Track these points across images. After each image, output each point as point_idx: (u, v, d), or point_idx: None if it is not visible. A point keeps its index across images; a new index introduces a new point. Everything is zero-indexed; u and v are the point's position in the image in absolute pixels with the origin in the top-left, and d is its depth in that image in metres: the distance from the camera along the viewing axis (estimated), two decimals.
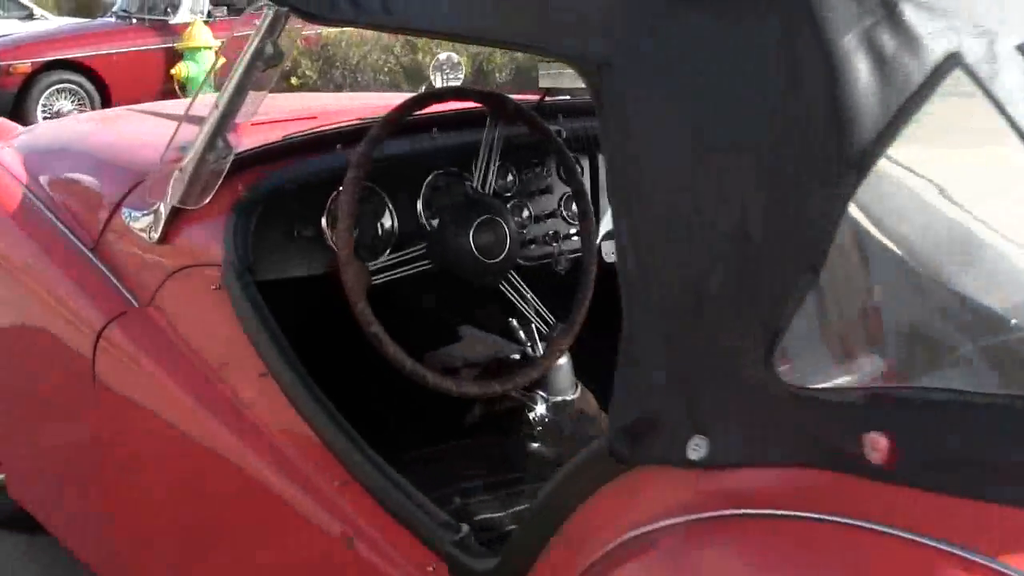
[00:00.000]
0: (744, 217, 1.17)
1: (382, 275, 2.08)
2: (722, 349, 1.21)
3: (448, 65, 3.27)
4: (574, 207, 2.56)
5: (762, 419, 1.19)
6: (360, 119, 2.39)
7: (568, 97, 2.72)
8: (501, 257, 2.20)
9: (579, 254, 2.54)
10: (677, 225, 1.23)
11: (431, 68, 3.30)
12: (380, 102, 3.48)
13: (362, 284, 2.00)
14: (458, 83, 3.26)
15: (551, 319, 2.33)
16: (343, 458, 1.82)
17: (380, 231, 2.24)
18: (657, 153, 1.25)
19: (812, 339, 1.19)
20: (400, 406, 2.47)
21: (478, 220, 2.16)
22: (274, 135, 2.24)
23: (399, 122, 2.08)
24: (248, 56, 1.87)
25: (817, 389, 1.16)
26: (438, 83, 3.25)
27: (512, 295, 2.31)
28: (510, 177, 2.39)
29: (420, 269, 2.15)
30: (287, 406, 1.88)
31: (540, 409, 2.39)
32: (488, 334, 2.83)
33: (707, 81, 1.20)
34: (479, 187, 2.26)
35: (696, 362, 1.24)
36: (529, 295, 2.32)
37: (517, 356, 2.55)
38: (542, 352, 2.44)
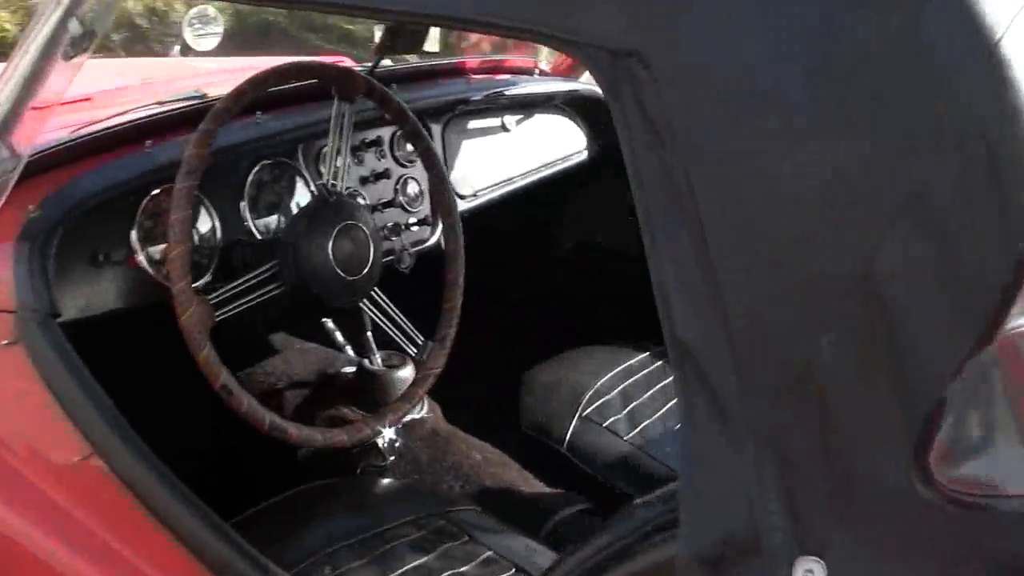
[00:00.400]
0: (875, 264, 0.84)
1: (227, 309, 1.64)
2: (844, 442, 0.89)
3: (200, 19, 2.82)
4: (410, 191, 2.18)
5: (908, 535, 0.89)
6: (160, 103, 1.90)
7: (390, 62, 2.31)
8: (364, 272, 1.80)
9: (422, 247, 2.17)
10: (769, 274, 0.89)
11: (183, 23, 2.84)
12: (154, 71, 2.94)
13: (205, 324, 1.56)
14: (216, 39, 2.81)
15: (419, 338, 1.95)
16: (215, 562, 1.40)
17: (197, 239, 1.79)
18: (734, 183, 0.89)
19: (983, 427, 0.89)
20: (214, 447, 2.04)
21: (337, 228, 1.75)
22: (52, 128, 1.72)
23: (234, 111, 1.64)
24: (44, 36, 1.37)
25: (996, 496, 0.86)
26: (190, 40, 2.79)
27: (371, 311, 1.92)
28: (342, 161, 1.98)
29: (271, 295, 1.72)
30: (126, 498, 1.43)
31: (388, 433, 2.02)
32: (310, 343, 2.44)
33: (806, 87, 0.86)
34: (328, 183, 1.83)
35: (804, 460, 0.91)
36: (391, 309, 1.93)
37: (351, 369, 2.18)
38: (380, 363, 2.07)
